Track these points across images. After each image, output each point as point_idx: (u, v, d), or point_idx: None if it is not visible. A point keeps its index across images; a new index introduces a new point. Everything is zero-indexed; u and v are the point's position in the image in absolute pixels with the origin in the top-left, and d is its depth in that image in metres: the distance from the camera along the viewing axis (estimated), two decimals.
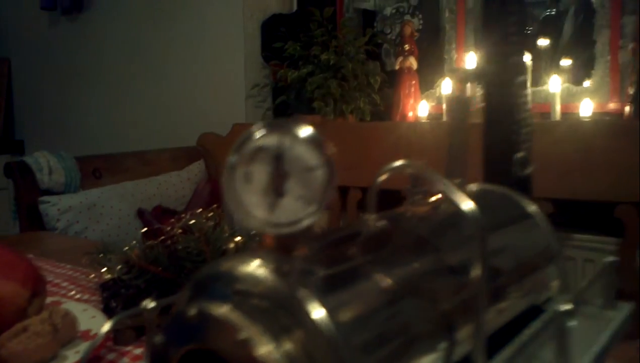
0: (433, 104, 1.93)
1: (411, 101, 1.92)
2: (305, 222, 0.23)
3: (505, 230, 0.34)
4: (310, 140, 0.23)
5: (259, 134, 0.24)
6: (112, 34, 2.56)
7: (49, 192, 1.67)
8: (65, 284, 1.01)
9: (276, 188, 0.23)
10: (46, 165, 1.68)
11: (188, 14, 2.26)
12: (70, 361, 0.60)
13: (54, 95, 2.86)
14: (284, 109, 2.08)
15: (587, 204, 1.49)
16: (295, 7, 2.27)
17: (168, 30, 2.33)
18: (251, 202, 0.24)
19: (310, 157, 0.23)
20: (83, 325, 0.67)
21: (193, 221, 0.69)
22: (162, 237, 0.70)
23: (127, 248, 0.71)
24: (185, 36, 2.28)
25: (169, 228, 0.70)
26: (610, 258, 0.38)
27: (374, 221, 0.30)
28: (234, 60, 2.14)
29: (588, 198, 1.46)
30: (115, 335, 0.66)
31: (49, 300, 0.80)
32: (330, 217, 1.92)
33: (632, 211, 1.41)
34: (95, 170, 1.80)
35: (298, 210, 0.23)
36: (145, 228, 0.75)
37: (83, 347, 0.63)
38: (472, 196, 0.28)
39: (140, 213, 0.76)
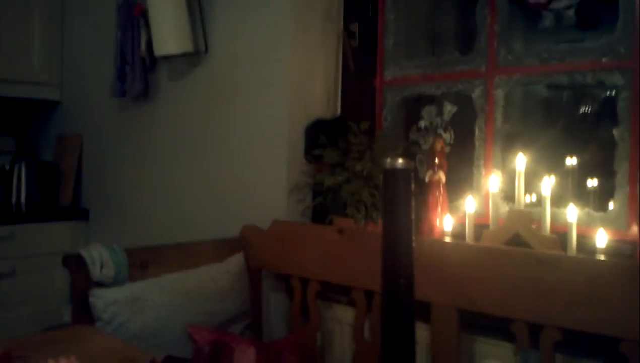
0: (459, 215, 2.03)
1: (438, 212, 2.03)
2: None
3: None
4: None
5: None
6: (170, 125, 2.79)
7: (99, 283, 1.85)
8: None
9: None
10: (99, 258, 1.86)
11: (238, 114, 2.46)
12: None
13: (117, 172, 3.11)
14: (321, 209, 2.23)
15: (594, 335, 1.55)
16: (339, 112, 2.43)
17: (219, 128, 2.54)
18: None
19: None
20: None
21: None
22: None
23: None
24: (234, 135, 2.48)
25: None
26: None
27: None
28: (278, 160, 2.32)
29: (593, 330, 1.53)
30: None
31: None
32: (357, 317, 2.04)
33: (636, 348, 1.47)
34: (142, 262, 1.98)
35: None
36: None
37: None
38: None
39: None
